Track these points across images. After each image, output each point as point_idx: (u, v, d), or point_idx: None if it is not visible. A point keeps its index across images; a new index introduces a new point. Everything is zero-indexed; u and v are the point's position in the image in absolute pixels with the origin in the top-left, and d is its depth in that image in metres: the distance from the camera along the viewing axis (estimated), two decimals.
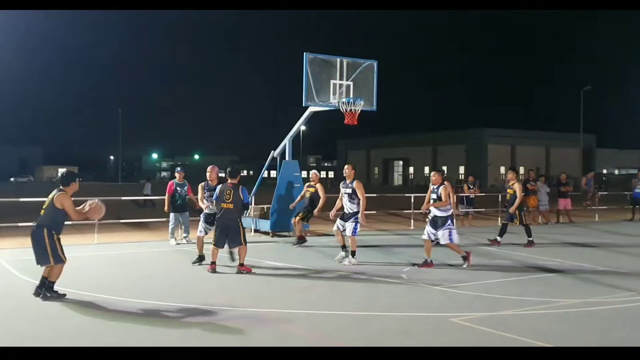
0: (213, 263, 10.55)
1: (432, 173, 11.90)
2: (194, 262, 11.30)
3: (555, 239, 16.52)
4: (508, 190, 14.89)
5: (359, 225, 11.73)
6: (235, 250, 10.84)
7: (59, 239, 8.32)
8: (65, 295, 8.35)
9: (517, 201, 14.48)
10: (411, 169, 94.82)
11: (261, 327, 6.90)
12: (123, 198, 23.01)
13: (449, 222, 11.27)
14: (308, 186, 15.21)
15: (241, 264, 10.53)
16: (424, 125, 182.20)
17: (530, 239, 14.61)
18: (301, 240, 14.48)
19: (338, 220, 11.89)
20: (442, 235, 11.23)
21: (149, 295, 8.63)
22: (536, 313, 7.74)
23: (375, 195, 24.96)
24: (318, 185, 15.01)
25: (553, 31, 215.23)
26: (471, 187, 20.46)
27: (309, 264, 11.50)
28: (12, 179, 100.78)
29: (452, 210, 11.47)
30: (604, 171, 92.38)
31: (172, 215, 14.67)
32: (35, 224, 8.36)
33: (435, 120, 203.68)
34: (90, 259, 12.11)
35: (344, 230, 11.71)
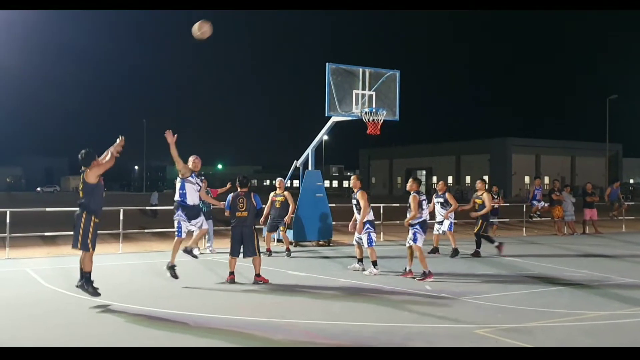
0: (231, 273, 10.52)
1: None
2: (172, 275, 10.05)
3: (582, 250, 16.29)
4: (476, 200, 14.63)
5: (373, 235, 11.67)
6: (196, 250, 10.53)
7: (95, 226, 8.45)
8: (99, 294, 8.53)
9: (484, 210, 14.40)
10: (434, 179, 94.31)
11: (286, 337, 6.89)
12: (126, 208, 23.14)
13: (418, 226, 11.21)
14: (275, 195, 14.75)
15: (257, 275, 10.49)
16: (448, 134, 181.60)
17: (479, 250, 14.48)
18: (288, 251, 14.27)
19: (355, 234, 11.85)
20: (409, 237, 11.28)
21: (171, 304, 8.66)
22: (562, 325, 7.62)
23: (398, 205, 24.85)
24: (286, 193, 14.74)
25: (579, 39, 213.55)
26: (495, 197, 20.27)
27: (332, 274, 11.46)
28: (38, 189, 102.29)
29: (421, 219, 11.32)
30: (631, 181, 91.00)
31: None
32: (78, 206, 8.54)
33: (458, 129, 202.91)
34: (115, 269, 12.22)
35: (362, 242, 11.71)
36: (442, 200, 14.38)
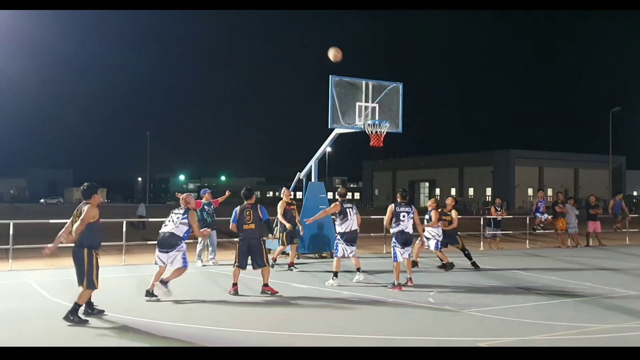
0: (235, 285, 10.51)
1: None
2: (166, 292, 9.91)
3: (585, 262, 16.24)
4: (445, 217, 14.44)
5: (341, 246, 11.75)
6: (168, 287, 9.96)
7: (97, 261, 8.47)
8: (95, 313, 8.49)
9: (451, 226, 14.40)
10: (437, 191, 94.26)
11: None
12: (129, 220, 23.13)
13: (394, 237, 11.55)
14: (289, 204, 14.50)
15: (265, 284, 10.52)
16: (451, 146, 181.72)
17: (473, 261, 14.42)
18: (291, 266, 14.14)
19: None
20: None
21: (174, 317, 8.66)
22: (567, 338, 7.59)
23: None
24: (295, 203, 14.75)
25: (582, 51, 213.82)
26: (498, 209, 20.27)
27: (335, 287, 11.43)
28: (42, 201, 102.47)
29: (396, 229, 11.53)
30: (634, 193, 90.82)
31: None
32: (75, 245, 8.47)
33: (462, 141, 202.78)
34: (118, 281, 12.21)
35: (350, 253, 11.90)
36: (427, 217, 14.40)
